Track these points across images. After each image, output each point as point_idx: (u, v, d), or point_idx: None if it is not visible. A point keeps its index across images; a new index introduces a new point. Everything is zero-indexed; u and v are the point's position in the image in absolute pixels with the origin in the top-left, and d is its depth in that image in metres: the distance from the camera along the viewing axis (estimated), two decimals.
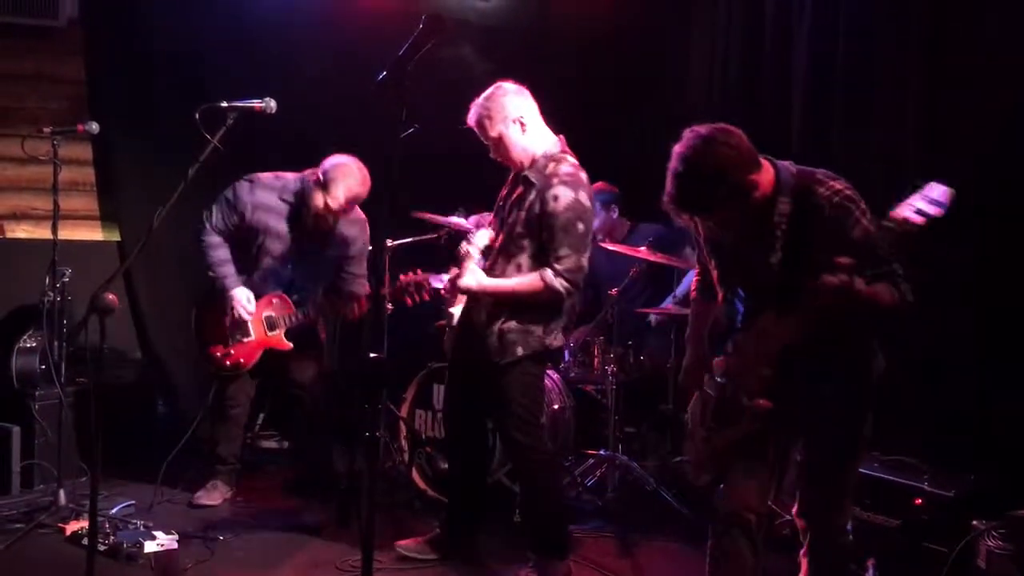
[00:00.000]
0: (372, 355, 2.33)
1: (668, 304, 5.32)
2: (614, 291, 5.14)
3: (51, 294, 4.86)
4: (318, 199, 4.56)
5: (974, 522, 3.30)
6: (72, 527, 4.35)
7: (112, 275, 3.60)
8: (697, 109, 5.87)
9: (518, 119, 3.80)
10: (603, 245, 5.51)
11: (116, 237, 6.28)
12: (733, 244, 3.10)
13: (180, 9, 5.95)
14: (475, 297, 3.86)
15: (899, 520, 3.65)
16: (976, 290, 4.27)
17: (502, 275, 3.84)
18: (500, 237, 3.87)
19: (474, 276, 3.78)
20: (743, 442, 3.06)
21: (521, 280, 3.80)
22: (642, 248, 5.18)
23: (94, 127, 4.87)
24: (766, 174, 2.97)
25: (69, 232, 5.86)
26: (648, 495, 5.02)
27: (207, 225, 4.71)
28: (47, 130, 4.78)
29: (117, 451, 4.77)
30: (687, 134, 2.94)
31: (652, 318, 5.47)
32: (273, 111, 3.87)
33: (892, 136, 4.66)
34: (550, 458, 4.16)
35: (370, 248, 4.76)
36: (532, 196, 3.77)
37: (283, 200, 4.68)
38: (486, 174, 4.16)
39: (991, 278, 4.22)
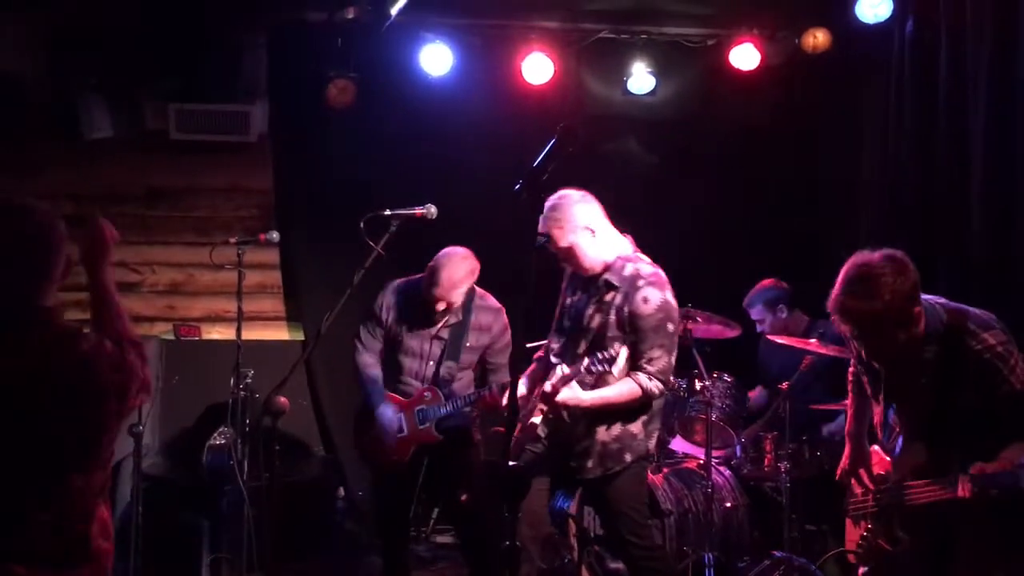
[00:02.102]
0: (512, 463, 2.34)
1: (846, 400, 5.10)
2: (784, 385, 4.97)
3: (236, 392, 5.12)
4: (426, 289, 4.63)
5: None
6: None
7: (284, 378, 3.80)
8: (872, 199, 5.71)
9: (587, 227, 3.80)
10: (771, 338, 5.38)
11: (301, 336, 6.60)
12: (885, 369, 3.17)
13: (357, 120, 6.29)
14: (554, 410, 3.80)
15: None
16: None
17: (602, 384, 3.79)
18: (583, 344, 3.82)
19: (572, 391, 3.72)
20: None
21: (618, 389, 3.76)
22: (813, 340, 5.01)
23: (275, 236, 5.17)
24: (917, 299, 3.00)
25: (258, 333, 6.21)
26: None
27: (358, 345, 4.87)
28: (233, 240, 5.12)
29: (299, 544, 4.96)
30: (865, 257, 3.01)
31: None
32: (434, 217, 4.02)
33: None
34: (665, 554, 4.36)
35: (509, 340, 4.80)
36: (619, 299, 3.76)
37: (414, 298, 4.75)
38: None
39: None
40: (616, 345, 3.71)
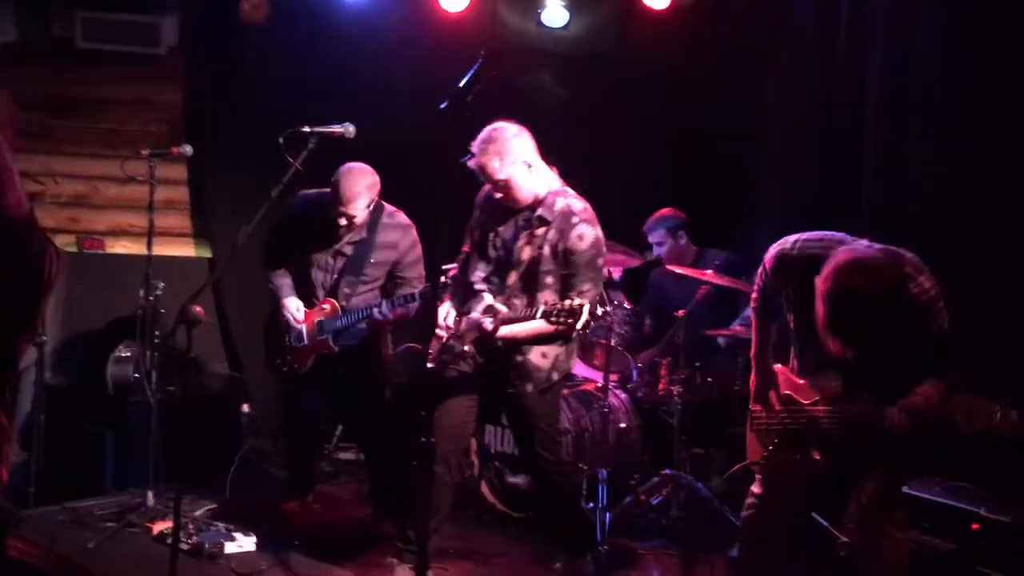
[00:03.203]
0: (429, 365, 2.48)
1: (736, 326, 5.37)
2: (681, 313, 5.21)
3: (144, 306, 5.13)
4: (329, 204, 4.67)
5: None
6: (159, 527, 4.59)
7: (199, 289, 3.84)
8: (777, 135, 5.94)
9: (525, 160, 3.87)
10: (670, 268, 5.61)
11: (208, 254, 6.59)
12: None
13: (270, 38, 6.25)
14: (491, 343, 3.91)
15: (956, 544, 3.66)
16: None
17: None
18: (513, 275, 3.92)
19: (509, 328, 3.83)
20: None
21: (545, 321, 3.81)
22: (708, 272, 5.25)
23: (188, 150, 5.16)
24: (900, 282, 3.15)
25: (164, 249, 6.17)
26: (712, 515, 5.06)
27: (267, 255, 4.95)
28: (145, 152, 5.07)
29: (203, 456, 5.04)
30: (841, 269, 3.05)
31: (721, 340, 5.54)
32: (352, 136, 4.06)
33: (965, 187, 4.66)
34: (571, 468, 4.53)
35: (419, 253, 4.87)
36: (552, 234, 3.86)
37: (320, 211, 4.78)
38: None
39: None
40: (548, 279, 3.84)
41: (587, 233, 3.86)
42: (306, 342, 4.85)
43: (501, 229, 4.04)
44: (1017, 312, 4.27)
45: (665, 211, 5.76)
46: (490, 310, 3.78)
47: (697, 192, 6.08)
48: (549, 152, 4.12)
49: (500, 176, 3.85)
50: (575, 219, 3.87)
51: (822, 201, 5.38)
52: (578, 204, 3.93)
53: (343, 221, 4.69)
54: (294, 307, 4.87)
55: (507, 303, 3.84)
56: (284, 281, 4.95)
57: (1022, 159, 4.44)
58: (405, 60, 6.25)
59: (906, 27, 4.92)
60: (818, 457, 3.39)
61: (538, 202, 3.94)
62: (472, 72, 2.50)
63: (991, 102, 4.56)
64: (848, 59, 5.33)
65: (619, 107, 6.50)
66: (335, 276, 4.87)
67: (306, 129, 3.96)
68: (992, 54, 4.54)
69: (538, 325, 3.76)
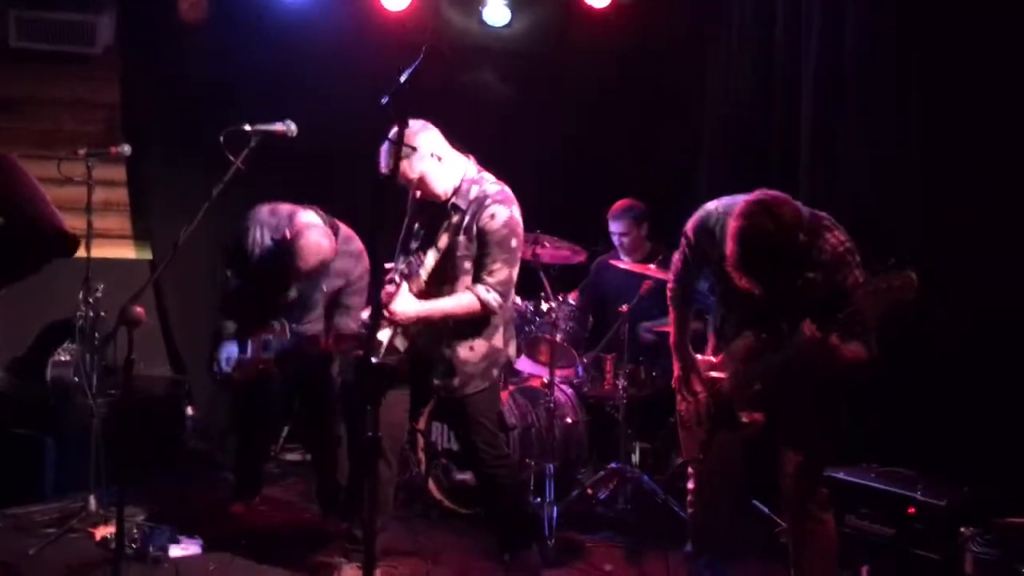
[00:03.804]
0: (374, 360, 2.48)
1: None
2: (624, 308, 5.26)
3: (84, 309, 5.06)
4: (291, 261, 4.64)
5: (962, 529, 3.41)
6: (101, 532, 4.54)
7: (140, 290, 3.80)
8: (716, 131, 6.03)
9: (434, 154, 3.89)
10: (612, 262, 5.66)
11: (148, 256, 6.51)
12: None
13: (209, 36, 6.20)
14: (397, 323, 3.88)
15: (893, 529, 3.75)
16: (971, 304, 4.40)
17: (439, 296, 3.91)
18: (432, 264, 3.88)
19: (407, 301, 3.83)
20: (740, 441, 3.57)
21: (455, 301, 3.88)
22: (651, 265, 5.31)
23: (126, 149, 5.10)
24: (804, 224, 3.28)
25: (103, 251, 6.07)
26: (658, 507, 5.11)
27: (224, 299, 4.98)
28: (82, 152, 5.00)
29: (146, 460, 4.99)
30: (746, 208, 3.24)
31: (648, 334, 5.61)
32: (294, 134, 4.03)
33: (897, 160, 4.79)
34: (513, 462, 4.50)
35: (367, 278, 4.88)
36: (467, 220, 3.87)
37: (275, 239, 4.79)
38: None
39: (986, 293, 4.35)
40: (466, 264, 3.86)
41: (499, 213, 3.87)
42: (249, 358, 4.84)
43: (422, 222, 4.07)
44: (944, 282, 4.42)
45: (629, 201, 5.80)
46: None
47: (637, 188, 6.13)
48: (491, 149, 4.15)
49: (413, 175, 3.86)
50: (488, 200, 3.88)
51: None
52: (493, 188, 3.94)
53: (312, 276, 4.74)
54: (224, 355, 4.85)
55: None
56: (229, 324, 4.92)
57: (946, 146, 4.58)
58: (346, 59, 6.22)
59: (840, 18, 5.03)
60: (747, 419, 3.46)
61: (455, 191, 3.95)
62: (413, 67, 2.51)
63: (921, 91, 4.69)
64: (784, 52, 5.46)
65: (560, 104, 6.54)
66: (288, 302, 4.87)
67: (247, 127, 3.91)
68: (921, 42, 4.68)
69: (444, 303, 3.85)
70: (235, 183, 3.83)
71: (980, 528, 3.38)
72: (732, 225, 3.25)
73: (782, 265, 3.24)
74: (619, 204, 5.80)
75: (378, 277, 3.85)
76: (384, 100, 2.54)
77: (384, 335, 3.88)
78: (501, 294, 3.91)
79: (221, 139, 3.78)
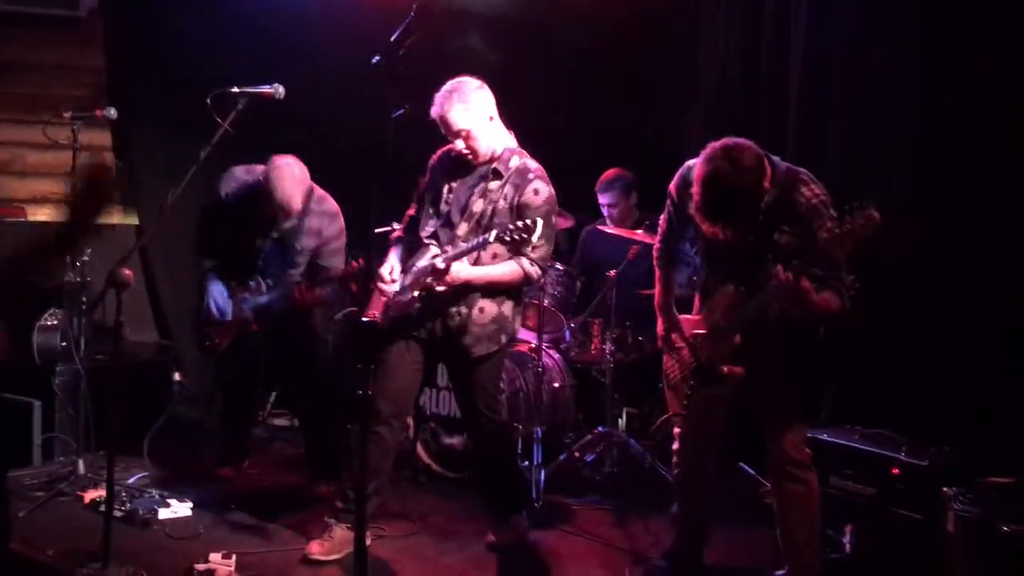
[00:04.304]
0: (364, 318, 2.49)
1: None
2: (612, 273, 5.28)
3: (71, 274, 5.05)
4: (266, 198, 4.68)
5: (944, 489, 3.46)
6: (90, 495, 4.56)
7: (128, 253, 3.82)
8: (706, 98, 6.02)
9: (488, 114, 3.95)
10: (601, 228, 5.67)
11: (134, 221, 6.48)
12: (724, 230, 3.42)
13: (192, 2, 6.14)
14: (442, 285, 3.91)
15: (876, 489, 3.80)
16: (955, 266, 4.46)
17: (477, 264, 3.95)
18: (464, 226, 3.95)
19: (460, 267, 3.86)
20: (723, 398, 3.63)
21: (503, 269, 3.96)
22: (639, 231, 5.32)
23: (112, 112, 5.06)
24: (767, 171, 3.34)
25: None
26: (645, 471, 5.17)
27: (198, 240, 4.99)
28: (67, 115, 4.97)
29: (135, 424, 5.00)
30: (709, 153, 3.31)
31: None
32: (282, 96, 4.03)
33: (883, 128, 4.81)
34: (509, 427, 4.60)
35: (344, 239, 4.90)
36: (507, 188, 3.93)
37: (253, 199, 4.79)
38: None
39: (971, 254, 4.40)
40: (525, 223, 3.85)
41: (542, 189, 3.94)
42: (230, 319, 4.84)
43: (455, 184, 4.09)
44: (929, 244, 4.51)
45: (618, 170, 5.80)
46: (438, 256, 3.85)
47: (627, 156, 6.12)
48: None
49: (461, 126, 3.90)
50: (531, 175, 3.95)
51: None
52: (533, 163, 4.03)
53: (281, 215, 4.73)
54: (216, 292, 4.86)
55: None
56: (207, 262, 4.95)
57: (933, 114, 4.62)
58: (334, 19, 6.19)
59: None
60: (727, 371, 3.50)
61: (495, 158, 4.00)
62: (404, 25, 2.50)
63: (910, 59, 4.71)
64: (774, 19, 5.44)
65: (549, 70, 6.51)
66: (262, 259, 4.87)
67: (235, 90, 3.92)
68: (911, 9, 4.70)
69: (492, 270, 3.91)
70: (222, 146, 3.83)
71: (962, 488, 3.42)
72: (696, 171, 3.34)
73: (742, 208, 3.29)
74: (607, 175, 5.81)
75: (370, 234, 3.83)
76: (375, 59, 2.54)
77: (416, 293, 3.95)
78: (542, 268, 4.03)
79: (208, 102, 3.78)
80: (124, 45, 6.32)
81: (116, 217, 6.51)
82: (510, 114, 4.22)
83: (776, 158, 3.45)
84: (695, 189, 3.32)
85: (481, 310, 4.01)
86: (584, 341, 5.57)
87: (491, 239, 3.68)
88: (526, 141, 4.16)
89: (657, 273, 3.90)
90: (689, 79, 6.22)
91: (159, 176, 6.14)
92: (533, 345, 5.26)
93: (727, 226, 3.34)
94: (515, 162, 3.98)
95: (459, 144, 3.97)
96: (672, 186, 3.74)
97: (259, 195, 4.72)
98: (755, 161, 3.28)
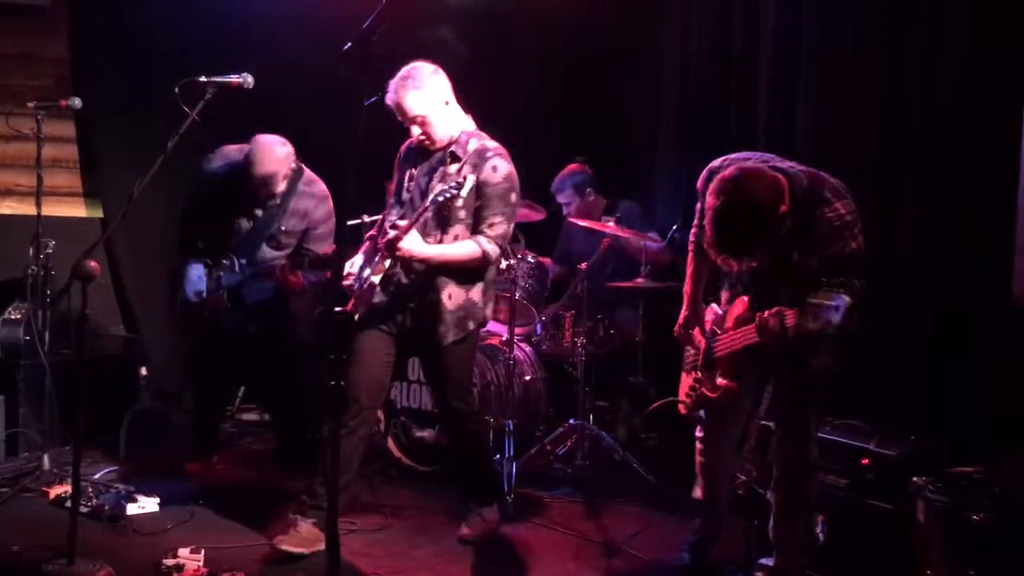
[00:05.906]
0: (336, 310, 2.47)
1: (639, 279, 5.45)
2: (583, 266, 5.27)
3: (35, 267, 4.97)
4: (248, 174, 4.66)
5: (913, 479, 3.48)
6: (56, 491, 4.49)
7: (93, 244, 3.77)
8: (675, 85, 6.04)
9: (443, 98, 3.92)
10: (573, 221, 5.66)
11: (99, 214, 6.38)
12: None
13: None
14: (404, 266, 3.91)
15: (847, 480, 3.81)
16: (923, 256, 4.51)
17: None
18: (425, 210, 3.87)
19: (415, 240, 3.81)
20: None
21: (458, 247, 3.90)
22: (610, 223, 5.32)
23: (77, 102, 4.98)
24: (786, 196, 3.18)
25: (53, 209, 5.91)
26: (616, 464, 5.18)
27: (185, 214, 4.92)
28: (31, 105, 4.89)
29: (100, 419, 4.92)
30: (719, 185, 3.15)
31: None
32: (251, 86, 3.98)
33: (852, 117, 4.84)
34: (482, 419, 4.54)
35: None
36: (466, 169, 3.89)
37: (233, 172, 4.76)
38: None
39: (936, 253, 4.45)
40: (462, 213, 3.86)
41: (501, 166, 3.91)
42: (204, 295, 4.79)
43: (415, 171, 4.07)
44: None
45: (573, 167, 5.80)
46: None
47: (598, 142, 6.13)
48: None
49: (416, 112, 3.87)
50: (489, 153, 3.93)
51: (719, 148, 5.53)
52: (492, 143, 3.99)
53: (263, 191, 4.70)
54: (195, 276, 4.80)
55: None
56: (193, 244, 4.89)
57: (902, 104, 4.64)
58: (303, 7, 6.12)
59: None
60: (720, 383, 3.48)
61: (452, 141, 3.98)
62: (376, 12, 2.47)
63: (878, 49, 4.74)
64: (744, 9, 5.49)
65: (520, 61, 6.50)
66: (241, 238, 4.82)
67: (203, 79, 3.87)
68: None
69: (448, 248, 3.87)
70: (190, 137, 3.78)
71: (931, 477, 3.44)
72: (707, 201, 3.19)
73: (756, 244, 3.17)
74: (560, 175, 5.84)
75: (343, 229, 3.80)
76: (346, 47, 2.50)
77: (376, 278, 3.89)
78: (499, 247, 3.97)
79: (176, 91, 3.73)
80: (88, 34, 6.21)
81: (80, 210, 6.41)
82: (481, 103, 4.23)
83: (797, 170, 3.29)
84: (706, 221, 3.19)
85: (449, 296, 3.98)
86: (555, 334, 5.57)
87: (427, 203, 3.71)
88: (496, 133, 4.14)
89: (689, 257, 3.76)
90: (660, 67, 6.24)
91: (124, 167, 6.06)
92: (504, 338, 5.24)
93: (740, 260, 3.25)
94: (473, 144, 3.96)
95: (415, 131, 3.95)
96: (699, 184, 3.55)
97: (243, 167, 4.68)
98: (769, 193, 3.12)
